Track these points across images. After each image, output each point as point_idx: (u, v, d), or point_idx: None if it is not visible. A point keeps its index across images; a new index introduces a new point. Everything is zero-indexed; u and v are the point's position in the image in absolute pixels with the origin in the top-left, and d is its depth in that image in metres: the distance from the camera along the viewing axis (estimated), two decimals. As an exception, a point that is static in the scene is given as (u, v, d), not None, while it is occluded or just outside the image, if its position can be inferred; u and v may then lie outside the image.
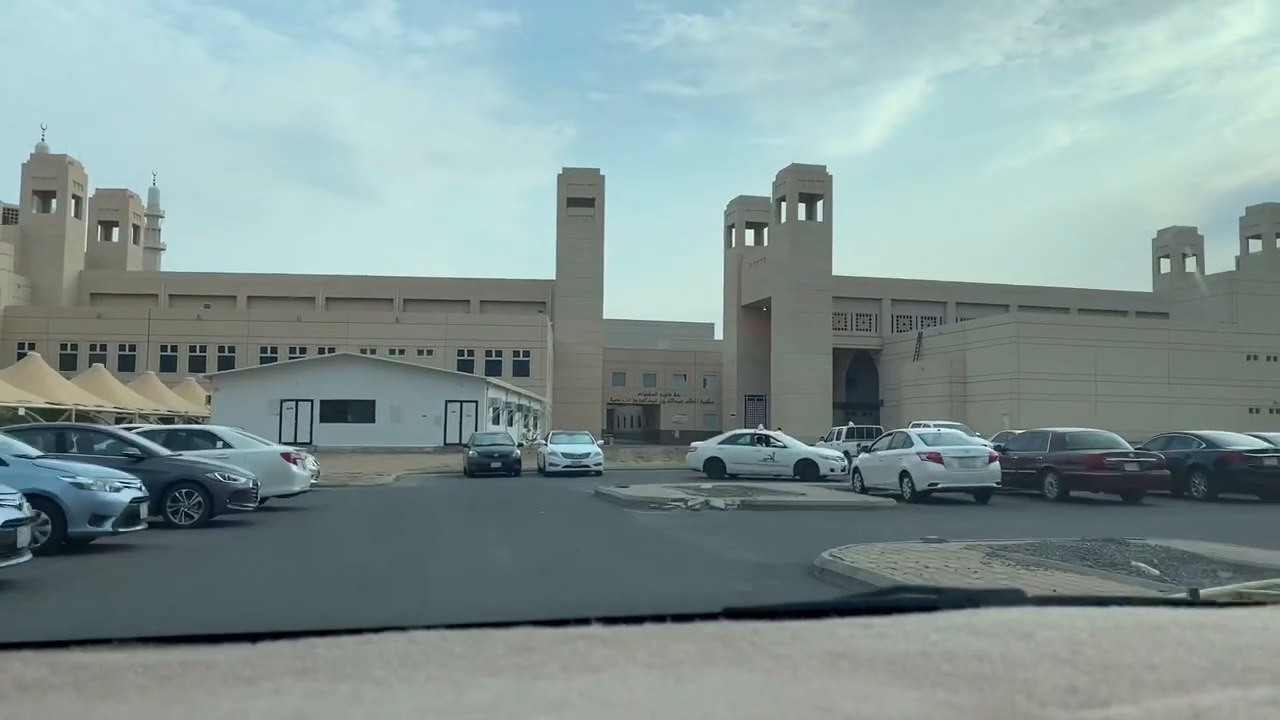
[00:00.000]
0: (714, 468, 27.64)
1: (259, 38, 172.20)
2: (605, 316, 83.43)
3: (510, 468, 27.78)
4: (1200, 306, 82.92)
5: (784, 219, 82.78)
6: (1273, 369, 74.25)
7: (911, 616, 1.11)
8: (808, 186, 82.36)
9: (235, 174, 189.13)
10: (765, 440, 28.29)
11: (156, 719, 0.72)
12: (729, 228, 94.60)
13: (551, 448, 28.24)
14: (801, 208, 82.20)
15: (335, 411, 43.44)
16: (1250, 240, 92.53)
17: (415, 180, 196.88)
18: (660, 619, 1.07)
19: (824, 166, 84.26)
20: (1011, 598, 1.22)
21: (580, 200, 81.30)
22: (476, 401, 42.95)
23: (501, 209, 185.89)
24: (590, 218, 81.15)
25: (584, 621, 1.04)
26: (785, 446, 27.86)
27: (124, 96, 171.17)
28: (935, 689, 0.83)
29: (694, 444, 30.00)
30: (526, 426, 55.16)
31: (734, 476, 26.51)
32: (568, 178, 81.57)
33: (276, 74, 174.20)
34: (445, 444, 41.60)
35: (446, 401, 43.37)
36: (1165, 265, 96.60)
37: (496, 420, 44.82)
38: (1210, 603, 1.35)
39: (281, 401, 42.63)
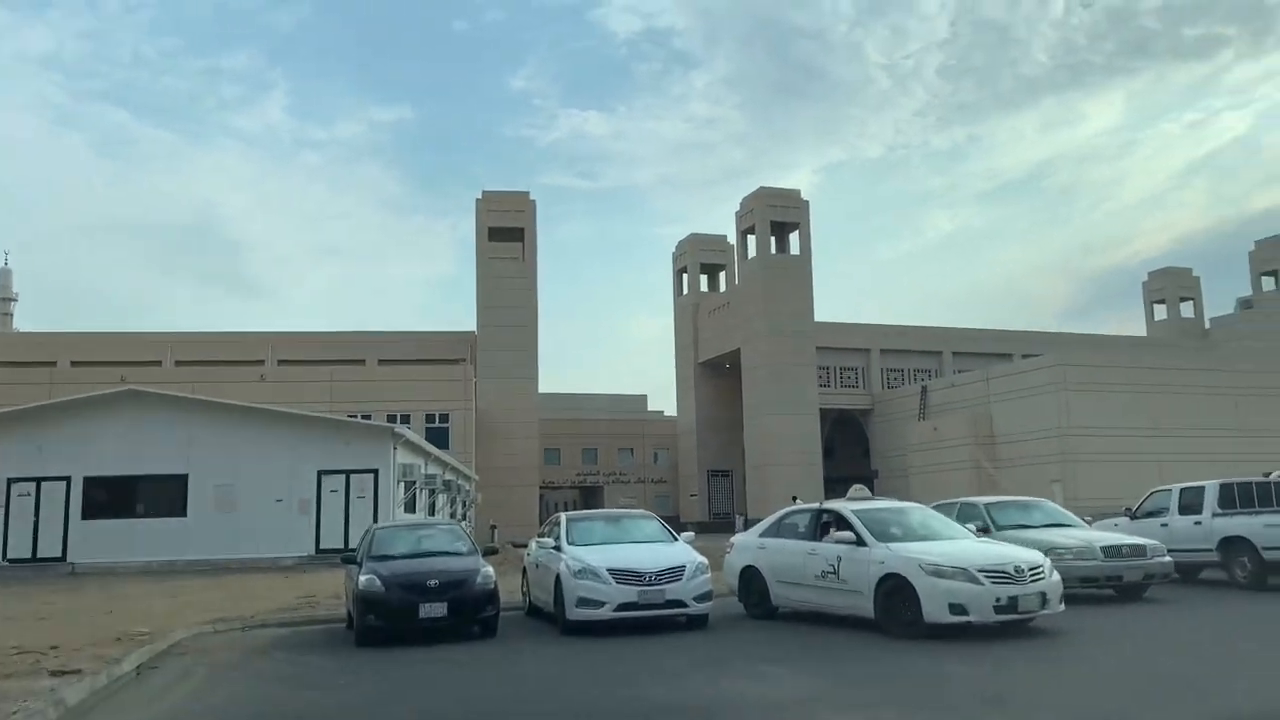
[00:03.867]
0: (751, 587, 13.01)
1: (146, 135, 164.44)
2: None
3: (472, 614, 11.20)
4: (1261, 343, 70.34)
5: (753, 252, 67.88)
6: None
7: None
8: (780, 214, 67.98)
9: (122, 269, 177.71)
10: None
11: None
12: (679, 272, 79.29)
13: (576, 555, 11.62)
14: (773, 241, 67.57)
15: (114, 498, 25.00)
16: (1263, 277, 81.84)
17: (308, 273, 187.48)
18: None
19: (798, 190, 69.89)
20: None
21: (505, 231, 64.79)
22: (375, 471, 25.05)
23: (398, 301, 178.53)
24: (517, 255, 64.58)
25: None
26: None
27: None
28: None
29: (733, 539, 13.86)
30: (457, 519, 37.55)
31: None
32: (489, 203, 65.15)
33: (165, 170, 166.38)
34: (319, 551, 23.67)
35: (320, 474, 25.25)
36: (1160, 311, 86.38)
37: (413, 505, 27.20)
38: None
39: (10, 483, 24.60)
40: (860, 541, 11.10)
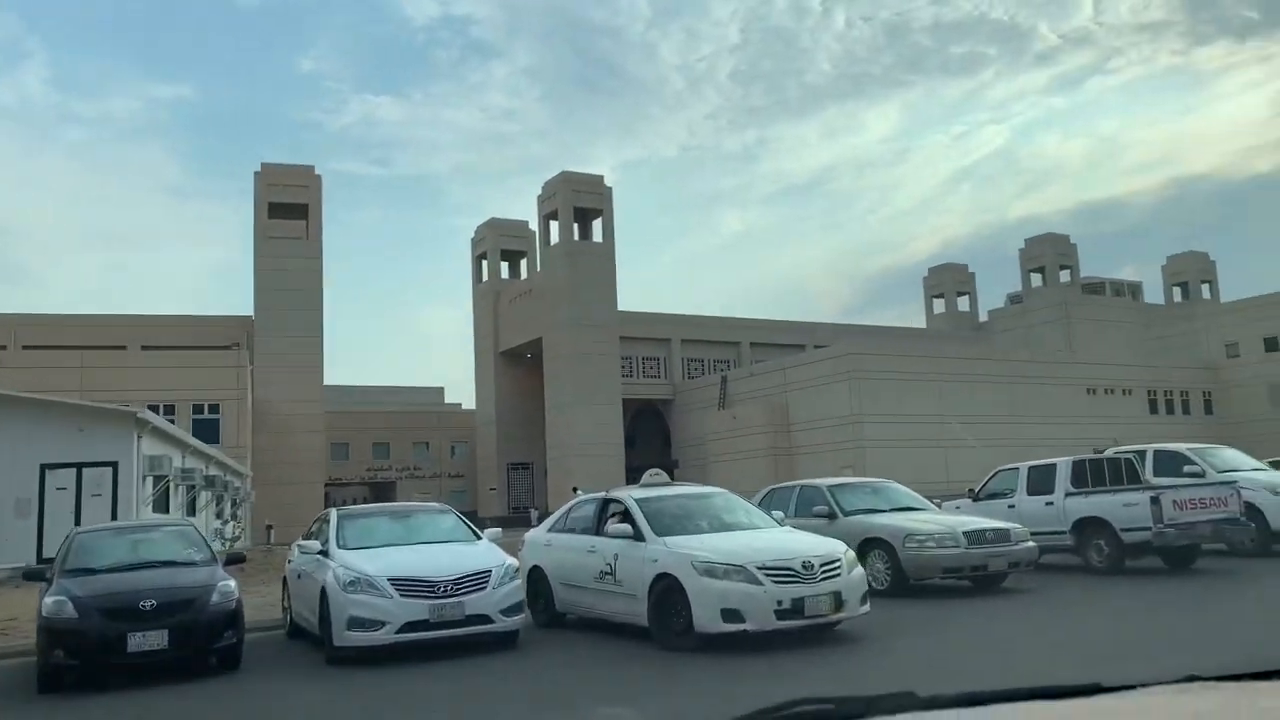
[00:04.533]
0: (538, 591, 11.14)
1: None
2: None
3: (204, 644, 8.44)
4: (1029, 335, 74.37)
5: (555, 239, 65.84)
6: (1114, 403, 65.80)
7: None
8: (584, 199, 66.26)
9: None
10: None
11: None
12: (478, 259, 76.14)
13: (348, 561, 8.95)
14: (576, 228, 65.78)
15: None
16: (1031, 274, 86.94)
17: (77, 260, 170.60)
18: None
19: (601, 176, 68.33)
20: (902, 702, 1.18)
21: (287, 208, 59.83)
22: (115, 464, 20.85)
23: (177, 290, 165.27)
24: (301, 235, 59.78)
25: None
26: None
27: None
28: None
29: (525, 536, 11.87)
30: (225, 519, 33.37)
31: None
32: (269, 176, 60.00)
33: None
34: (41, 560, 19.50)
35: (44, 468, 20.61)
36: (939, 305, 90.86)
37: (165, 504, 23.19)
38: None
39: None
40: (638, 535, 9.29)
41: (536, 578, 10.55)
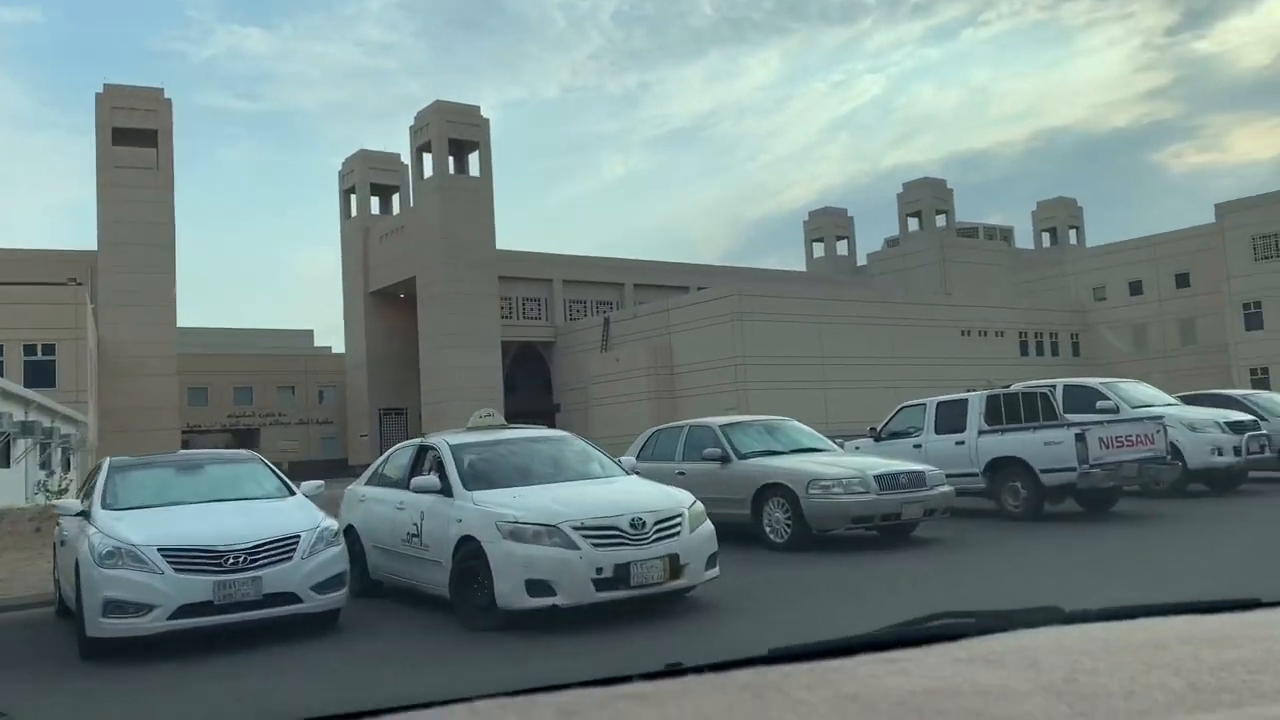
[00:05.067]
0: (354, 554, 8.86)
1: None
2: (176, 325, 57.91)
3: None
4: (906, 278, 74.94)
5: (429, 172, 62.66)
6: (987, 345, 66.98)
7: (939, 647, 1.09)
8: (459, 131, 63.13)
9: None
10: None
11: None
12: (346, 193, 72.16)
13: (107, 526, 6.84)
14: (451, 161, 62.74)
15: None
16: (909, 218, 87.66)
17: None
18: (700, 670, 1.07)
19: (478, 107, 65.18)
20: (1046, 615, 1.20)
21: (134, 134, 54.99)
22: None
23: (20, 228, 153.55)
24: (151, 165, 55.13)
25: (626, 679, 1.06)
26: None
27: None
28: None
29: (348, 488, 10.15)
30: (50, 470, 30.14)
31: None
32: (113, 99, 54.96)
33: None
34: None
35: None
36: (819, 249, 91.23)
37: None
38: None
39: None
40: (446, 489, 7.70)
41: (352, 539, 8.70)
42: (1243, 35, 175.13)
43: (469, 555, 7.07)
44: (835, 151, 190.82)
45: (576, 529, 6.86)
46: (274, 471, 8.37)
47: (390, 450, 9.40)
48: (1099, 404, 13.03)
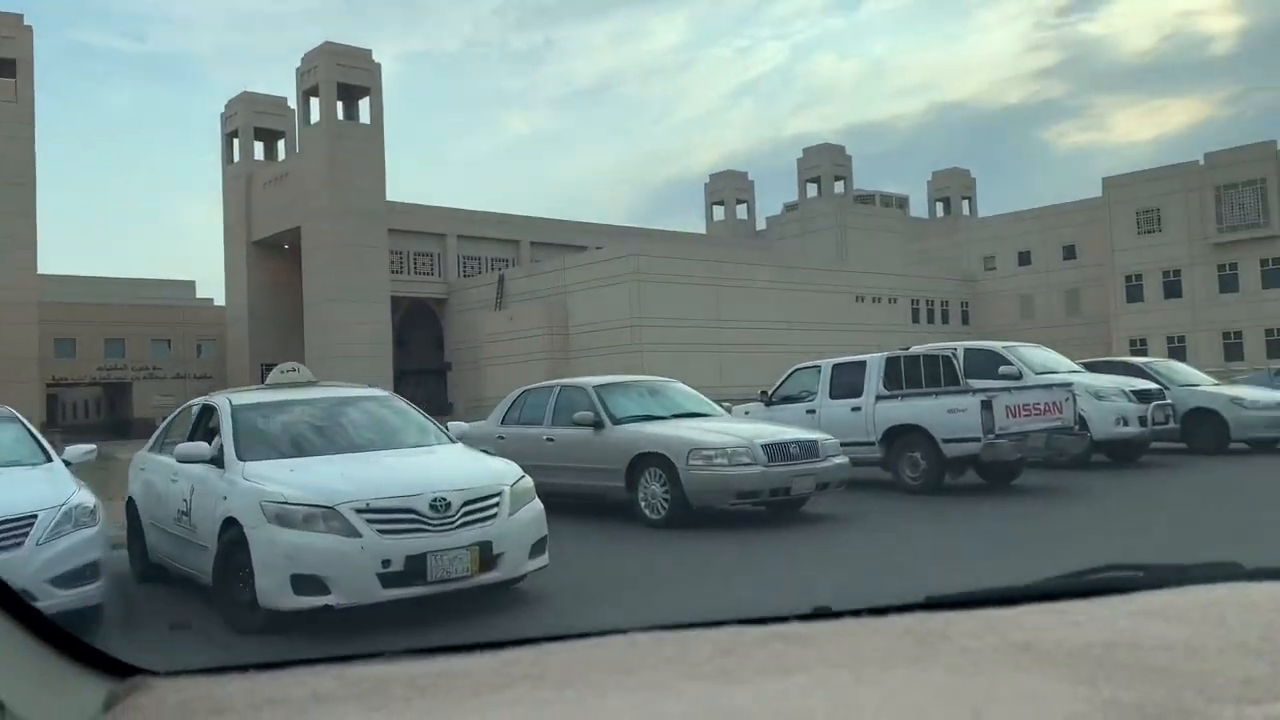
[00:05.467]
0: (135, 530, 7.92)
1: None
2: (41, 272, 54.04)
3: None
4: (804, 243, 74.85)
5: (316, 117, 59.57)
6: (880, 311, 67.51)
7: (1110, 599, 1.08)
8: (350, 75, 60.12)
9: None
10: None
11: None
12: (228, 137, 68.32)
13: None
14: (340, 106, 59.77)
15: None
16: (808, 183, 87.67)
17: None
18: (857, 613, 1.06)
19: (370, 51, 62.19)
20: (1225, 570, 1.16)
21: (-14, 59, 50.63)
22: None
23: None
24: (10, 97, 50.92)
25: (783, 619, 1.04)
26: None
27: None
28: (1107, 684, 0.81)
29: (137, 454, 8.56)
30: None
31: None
32: (-40, 20, 50.36)
33: None
34: None
35: None
36: (719, 212, 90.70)
37: None
38: None
39: None
40: (218, 460, 6.39)
41: (132, 514, 7.40)
42: (1128, 19, 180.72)
43: (232, 541, 5.76)
44: (739, 117, 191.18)
45: (360, 511, 5.59)
46: (29, 430, 6.80)
47: (177, 408, 7.89)
48: (1001, 369, 12.28)
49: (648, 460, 9.00)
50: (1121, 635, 0.93)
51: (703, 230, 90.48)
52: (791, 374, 12.42)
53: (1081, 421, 11.66)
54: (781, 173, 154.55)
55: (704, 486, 8.59)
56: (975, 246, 73.96)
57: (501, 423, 10.50)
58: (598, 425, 9.48)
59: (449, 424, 7.59)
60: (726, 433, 8.84)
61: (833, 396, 11.48)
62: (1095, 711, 0.74)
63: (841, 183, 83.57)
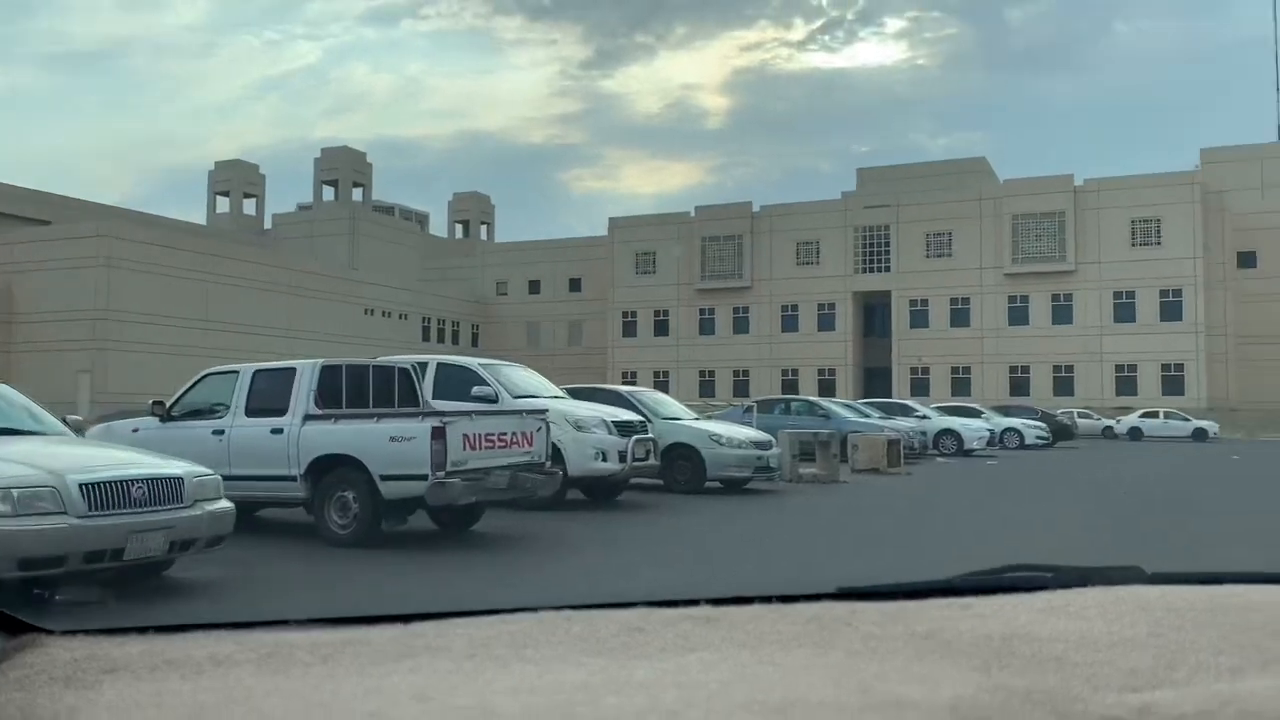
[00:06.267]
0: None
1: None
2: None
3: None
4: (315, 247, 70.43)
5: None
6: (390, 326, 65.45)
7: (1017, 597, 1.12)
8: None
9: None
10: None
11: (313, 692, 0.81)
12: None
13: None
14: None
15: None
16: (325, 185, 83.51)
17: None
18: (767, 599, 1.08)
19: None
20: (1127, 575, 1.22)
21: None
22: None
23: None
24: None
25: (694, 603, 1.06)
26: None
27: None
28: (1001, 671, 0.85)
29: None
30: None
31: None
32: None
33: None
34: None
35: None
36: (224, 204, 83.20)
37: None
38: None
39: None
40: None
41: None
42: (640, 83, 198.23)
43: None
44: (264, 111, 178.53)
45: None
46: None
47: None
48: (475, 389, 10.31)
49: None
50: (1022, 629, 0.96)
51: (204, 220, 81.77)
52: (200, 380, 9.16)
53: (557, 454, 10.05)
54: (306, 177, 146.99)
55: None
56: (490, 271, 74.47)
57: None
58: None
59: None
60: (27, 464, 5.63)
61: (249, 413, 8.49)
62: (983, 694, 0.77)
63: (361, 190, 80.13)
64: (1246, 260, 55.95)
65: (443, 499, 7.68)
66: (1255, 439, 43.87)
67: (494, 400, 10.20)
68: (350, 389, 8.29)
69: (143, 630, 0.96)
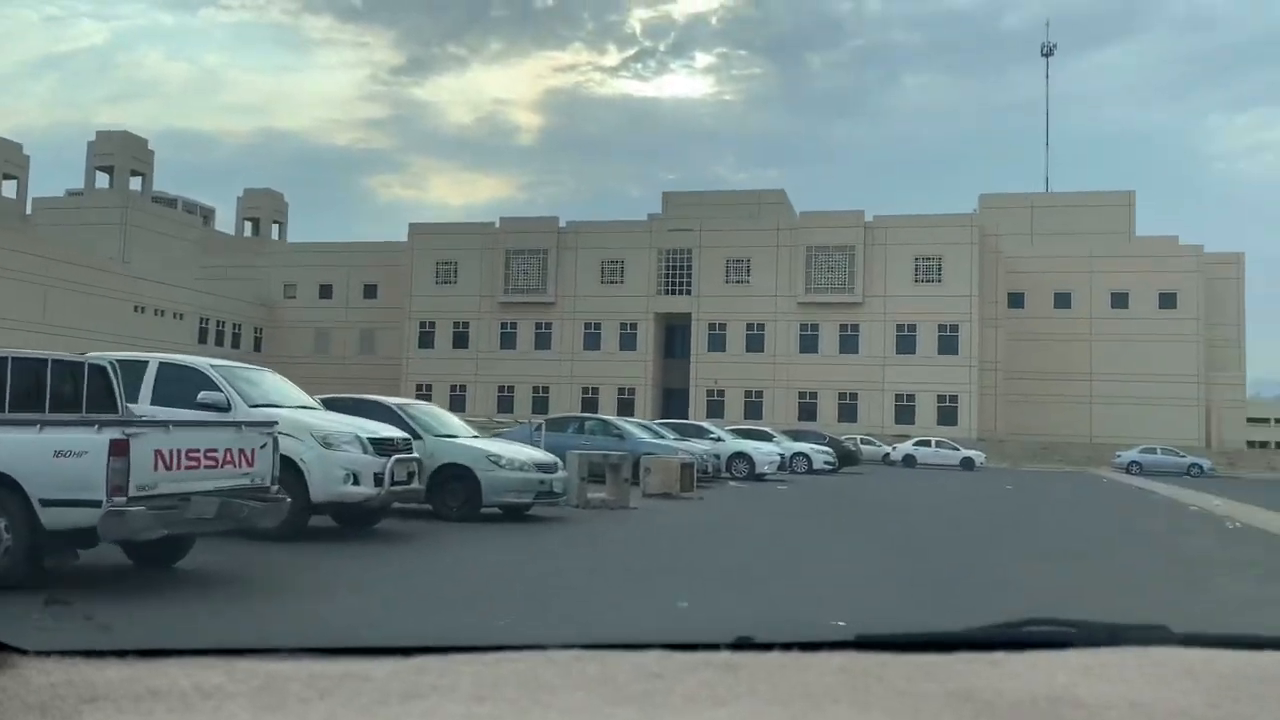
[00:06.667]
0: None
1: None
2: None
3: None
4: (82, 236, 64.49)
5: None
6: (163, 325, 60.69)
7: (1046, 654, 1.10)
8: None
9: None
10: None
11: None
12: None
13: None
14: None
15: None
16: (99, 171, 76.86)
17: None
18: (788, 647, 1.06)
19: None
20: (1154, 634, 1.20)
21: None
22: None
23: None
24: None
25: (713, 647, 1.04)
26: None
27: None
28: None
29: None
30: None
31: None
32: None
33: None
34: None
35: None
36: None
37: None
38: None
39: None
40: None
41: None
42: (451, 93, 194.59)
43: None
44: (40, 90, 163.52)
45: None
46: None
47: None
48: (202, 395, 8.69)
49: None
50: (1062, 691, 0.93)
51: (-45, 204, 73.35)
52: None
53: (299, 476, 8.60)
54: (82, 164, 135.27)
55: None
56: (279, 272, 70.19)
57: None
58: None
59: None
60: None
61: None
62: None
63: (141, 179, 73.92)
64: (1015, 301, 59.71)
65: (120, 532, 6.08)
66: (1019, 468, 46.53)
67: (225, 409, 8.62)
68: (17, 389, 6.59)
69: (122, 654, 0.91)
